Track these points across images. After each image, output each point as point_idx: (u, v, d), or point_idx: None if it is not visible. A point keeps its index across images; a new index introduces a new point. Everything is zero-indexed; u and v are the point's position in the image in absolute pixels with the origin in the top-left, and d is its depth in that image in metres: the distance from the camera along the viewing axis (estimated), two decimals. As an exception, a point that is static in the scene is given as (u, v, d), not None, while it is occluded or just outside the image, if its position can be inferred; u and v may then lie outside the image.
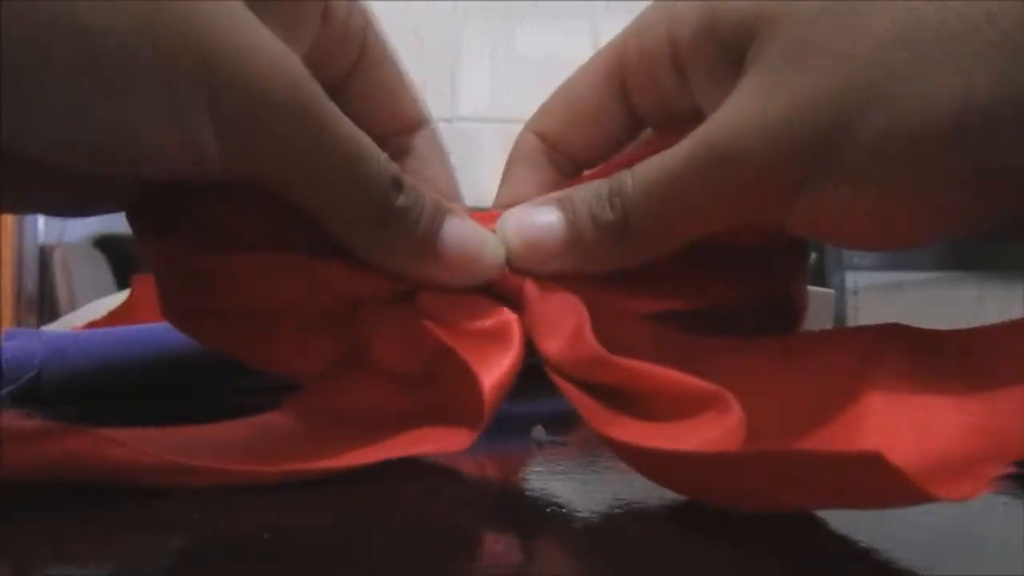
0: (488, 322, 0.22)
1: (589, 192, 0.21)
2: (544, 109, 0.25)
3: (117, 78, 0.17)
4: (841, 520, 0.18)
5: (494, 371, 0.21)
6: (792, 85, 0.18)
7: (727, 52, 0.20)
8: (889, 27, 0.17)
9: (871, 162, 0.18)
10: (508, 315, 0.22)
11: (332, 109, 0.19)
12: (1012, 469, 0.15)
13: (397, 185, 0.20)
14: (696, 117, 0.21)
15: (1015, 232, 0.20)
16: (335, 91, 0.23)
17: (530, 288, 0.22)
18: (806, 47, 0.18)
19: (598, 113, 0.24)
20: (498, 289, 0.22)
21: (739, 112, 0.19)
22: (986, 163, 0.18)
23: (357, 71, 0.24)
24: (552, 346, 0.21)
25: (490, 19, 1.20)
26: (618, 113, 0.24)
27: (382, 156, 0.20)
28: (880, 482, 0.14)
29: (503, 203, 0.25)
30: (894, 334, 0.20)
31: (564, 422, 0.27)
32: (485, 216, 0.23)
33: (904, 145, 0.18)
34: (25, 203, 0.22)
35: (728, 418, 0.17)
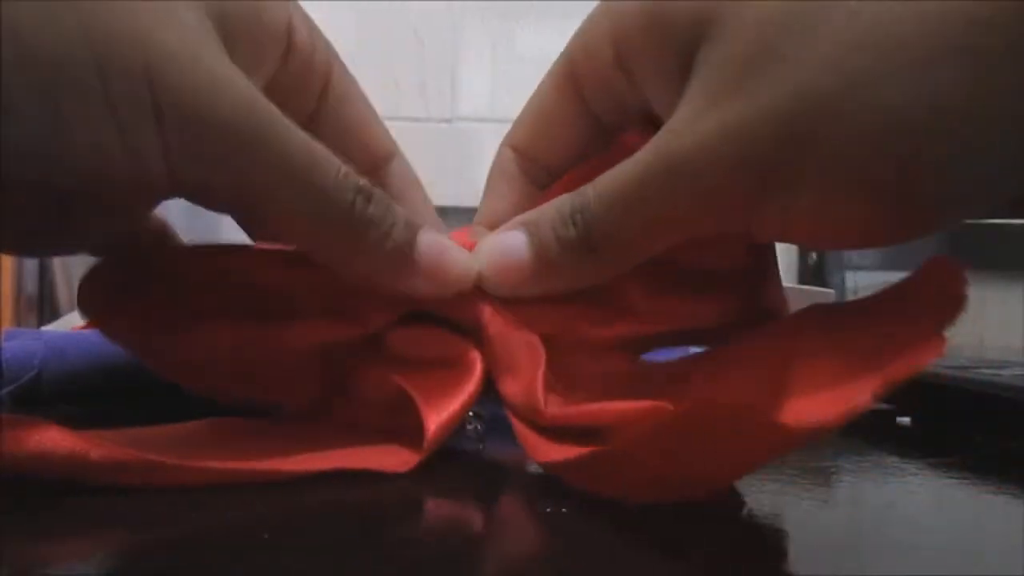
0: (452, 358, 0.23)
1: (552, 212, 0.21)
2: (516, 122, 0.25)
3: (52, 79, 0.17)
4: (841, 520, 0.18)
5: (441, 414, 0.21)
6: (750, 93, 0.18)
7: (675, 53, 0.20)
8: (846, 31, 0.17)
9: (830, 167, 0.18)
10: (472, 352, 0.22)
11: (282, 121, 0.19)
12: (870, 401, 0.15)
13: (364, 193, 0.20)
14: (650, 116, 0.22)
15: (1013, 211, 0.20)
16: (306, 126, 0.24)
17: (492, 325, 0.22)
18: (762, 51, 0.18)
19: (560, 121, 0.24)
20: (464, 319, 0.23)
21: (695, 121, 0.19)
22: (947, 167, 0.17)
23: (323, 108, 0.25)
24: (509, 387, 0.22)
25: (489, 19, 1.20)
26: (578, 118, 0.24)
27: (341, 166, 0.20)
28: (737, 429, 0.15)
29: (482, 219, 0.25)
30: (812, 311, 0.21)
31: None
32: (467, 244, 0.23)
33: (860, 149, 0.17)
34: None
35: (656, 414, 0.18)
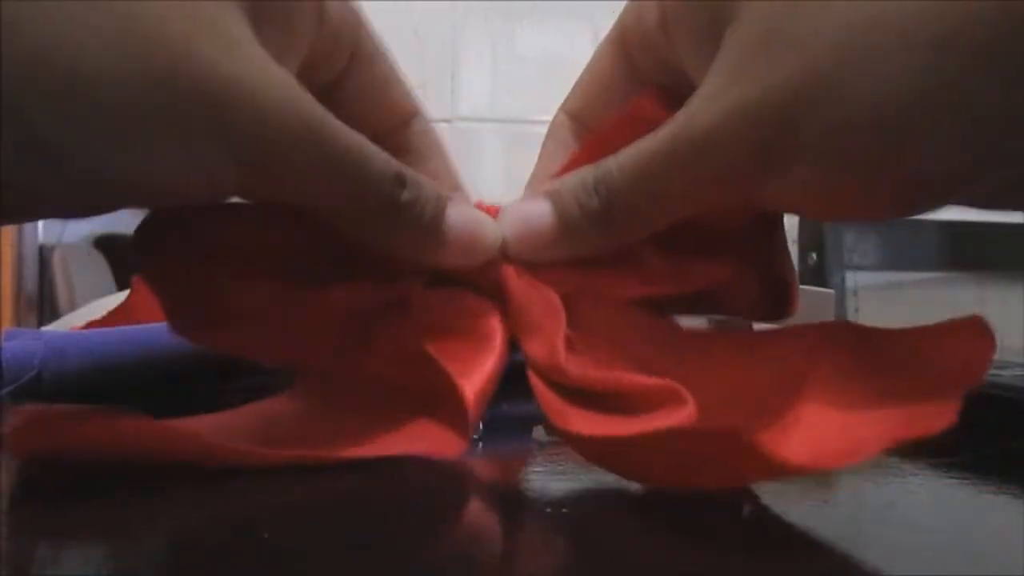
0: (475, 324, 0.23)
1: (575, 182, 0.22)
2: (572, 88, 0.26)
3: (130, 129, 0.18)
4: (841, 520, 0.18)
5: (475, 378, 0.22)
6: (761, 74, 0.19)
7: (708, 27, 0.21)
8: (850, 15, 0.18)
9: (827, 145, 0.19)
10: (493, 318, 0.23)
11: (335, 123, 0.20)
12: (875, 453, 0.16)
13: (401, 181, 0.21)
14: (679, 82, 0.23)
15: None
16: (332, 89, 0.24)
17: (514, 286, 0.23)
18: (772, 35, 0.19)
19: (611, 84, 0.25)
20: (488, 282, 0.23)
21: (713, 99, 0.20)
22: (934, 150, 0.19)
23: (351, 70, 0.25)
24: (531, 346, 0.22)
25: (490, 19, 1.20)
26: (628, 81, 0.25)
27: (383, 156, 0.21)
28: (746, 456, 0.16)
29: (535, 181, 0.26)
30: (840, 331, 0.22)
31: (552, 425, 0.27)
32: (491, 210, 0.24)
33: (855, 130, 0.19)
34: (24, 214, 0.22)
35: (679, 412, 0.18)
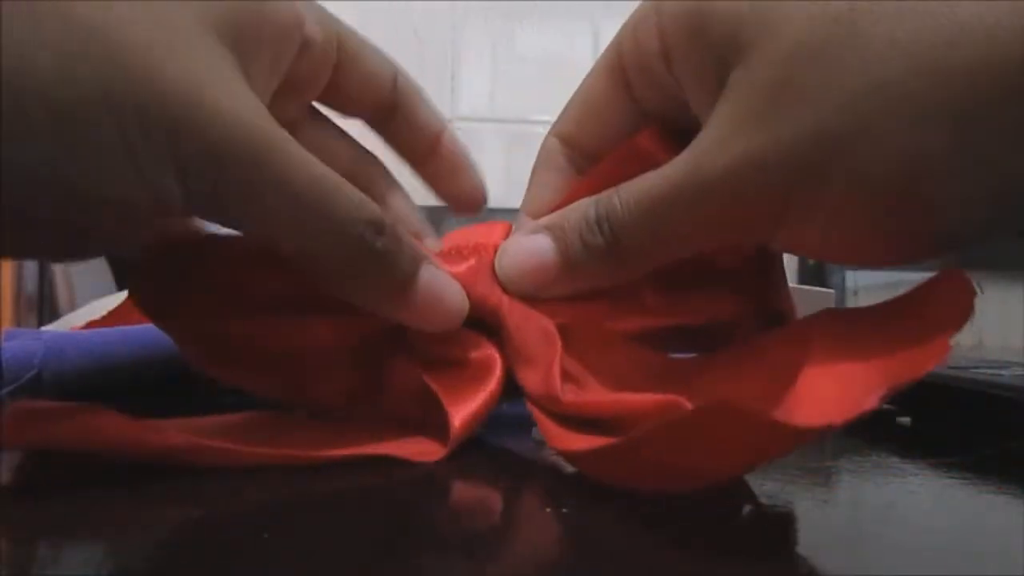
0: (472, 356, 0.23)
1: (578, 217, 0.22)
2: (563, 111, 0.26)
3: (72, 127, 0.17)
4: (841, 520, 0.18)
5: (465, 409, 0.22)
6: (773, 125, 0.19)
7: (713, 65, 0.21)
8: (861, 77, 0.18)
9: (841, 201, 0.19)
10: (490, 350, 0.23)
11: (300, 153, 0.19)
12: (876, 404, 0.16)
13: (376, 227, 0.20)
14: (677, 116, 0.22)
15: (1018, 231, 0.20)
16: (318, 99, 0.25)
17: (510, 317, 0.23)
18: (786, 85, 0.19)
19: (607, 110, 0.25)
20: (484, 314, 0.24)
21: (723, 145, 0.20)
22: (944, 209, 0.19)
23: (338, 72, 0.25)
24: (527, 377, 0.22)
25: (490, 19, 1.20)
26: (625, 108, 0.24)
27: (358, 197, 0.20)
28: (748, 429, 0.15)
29: (527, 207, 0.25)
30: (824, 315, 0.22)
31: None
32: (484, 229, 0.24)
33: (866, 188, 0.19)
34: (14, 250, 0.23)
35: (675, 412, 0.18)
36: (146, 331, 0.32)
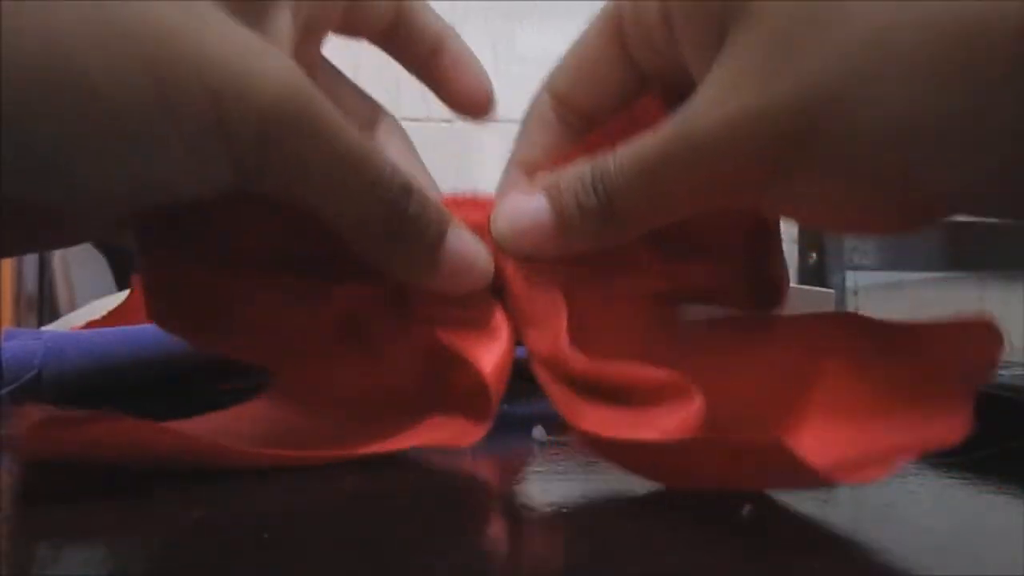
0: (478, 318, 0.23)
1: (573, 179, 0.22)
2: (556, 67, 0.26)
3: (130, 133, 0.18)
4: (841, 520, 0.18)
5: (489, 357, 0.22)
6: (769, 83, 0.19)
7: (711, 25, 0.20)
8: (858, 33, 0.18)
9: (835, 159, 0.19)
10: (497, 311, 0.23)
11: (337, 117, 0.20)
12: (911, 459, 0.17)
13: (407, 192, 0.21)
14: (677, 76, 0.22)
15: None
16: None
17: (514, 281, 0.23)
18: (783, 44, 0.19)
19: (602, 68, 0.25)
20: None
21: (717, 104, 0.20)
22: (941, 169, 0.18)
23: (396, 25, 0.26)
24: (534, 341, 0.22)
25: (490, 19, 1.20)
26: (621, 67, 0.24)
27: (390, 163, 0.21)
28: (786, 466, 0.16)
29: (517, 161, 0.25)
30: (845, 323, 0.22)
31: (564, 422, 0.27)
32: (472, 203, 0.24)
33: (862, 148, 0.18)
34: (25, 245, 0.23)
35: (688, 407, 0.19)
36: (146, 331, 0.32)
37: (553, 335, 0.22)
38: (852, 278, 1.21)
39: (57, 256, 1.25)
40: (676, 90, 0.23)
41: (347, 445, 0.22)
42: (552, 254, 0.23)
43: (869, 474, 0.16)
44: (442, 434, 0.22)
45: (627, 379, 0.20)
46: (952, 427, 0.17)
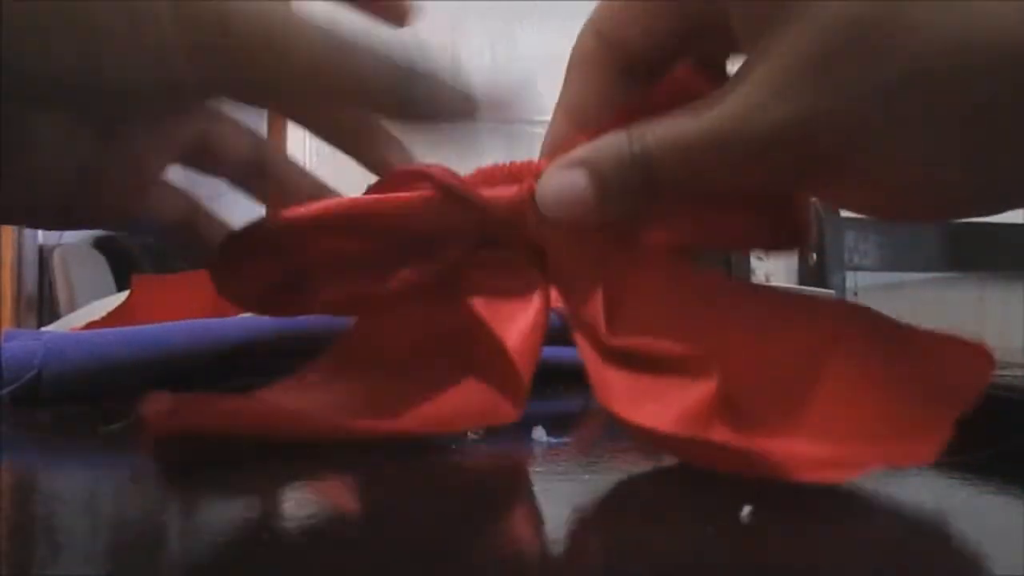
0: (520, 287, 0.25)
1: (612, 154, 0.23)
2: (602, 7, 0.26)
3: (95, 32, 0.18)
4: (841, 519, 0.18)
5: (514, 332, 0.24)
6: (822, 90, 0.20)
7: (766, 8, 0.21)
8: (905, 57, 0.19)
9: (878, 165, 0.20)
10: (538, 281, 0.25)
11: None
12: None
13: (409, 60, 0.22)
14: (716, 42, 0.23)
15: None
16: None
17: (553, 249, 0.24)
18: (838, 54, 0.20)
19: (653, 10, 0.25)
20: (527, 242, 0.25)
21: (769, 103, 0.20)
22: (973, 179, 0.20)
23: None
24: (573, 306, 0.24)
25: (490, 19, 1.20)
26: (668, 14, 0.24)
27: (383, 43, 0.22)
28: (763, 468, 0.19)
29: (565, 107, 0.26)
30: (858, 319, 0.23)
31: (564, 422, 0.27)
32: (524, 167, 0.25)
33: (905, 154, 0.20)
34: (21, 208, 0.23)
35: (706, 385, 0.21)
36: (146, 331, 0.32)
37: (591, 303, 0.23)
38: (852, 278, 1.21)
39: (57, 256, 1.25)
40: (723, 41, 0.23)
41: (401, 420, 0.23)
42: (594, 223, 0.24)
43: (832, 476, 0.19)
44: (480, 416, 0.24)
45: (653, 351, 0.22)
46: (922, 451, 0.19)
